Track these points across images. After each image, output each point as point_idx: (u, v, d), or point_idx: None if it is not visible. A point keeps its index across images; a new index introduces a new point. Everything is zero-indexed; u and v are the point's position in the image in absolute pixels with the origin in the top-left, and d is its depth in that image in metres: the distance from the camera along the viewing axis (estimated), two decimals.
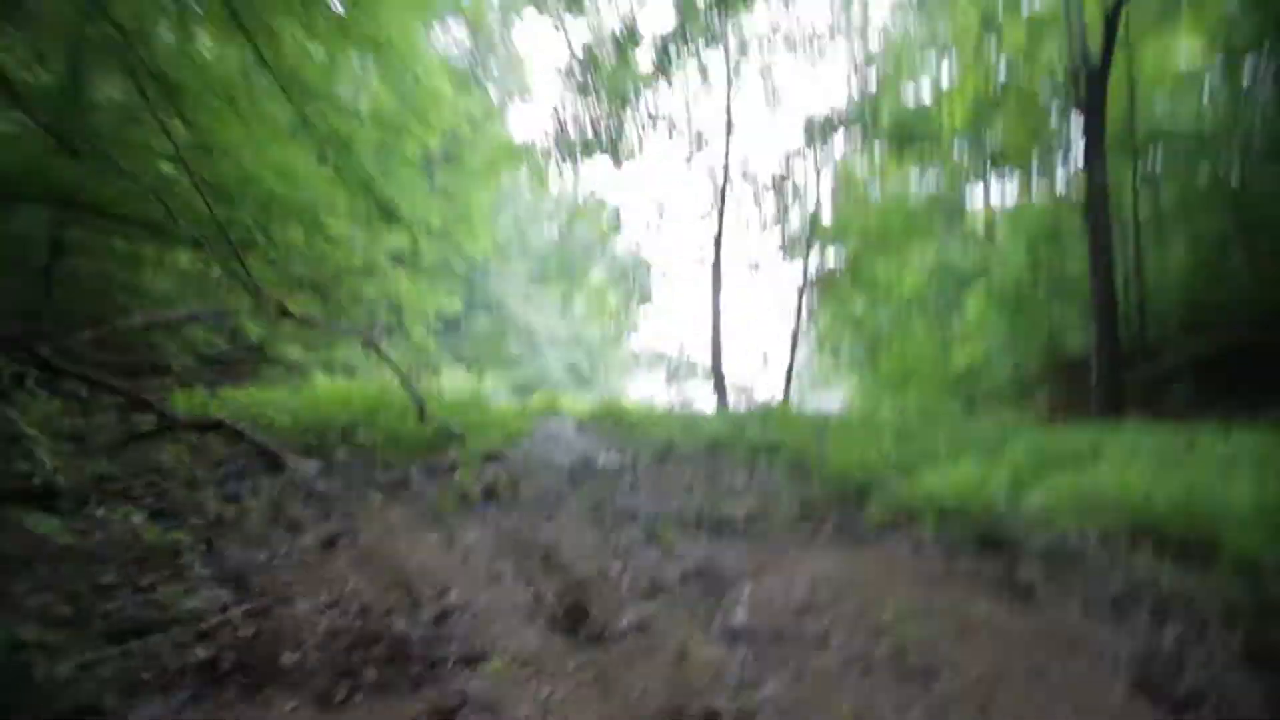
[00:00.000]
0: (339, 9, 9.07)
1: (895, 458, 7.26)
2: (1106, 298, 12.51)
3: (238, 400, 7.75)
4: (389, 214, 9.83)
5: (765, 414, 12.32)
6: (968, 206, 22.09)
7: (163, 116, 6.71)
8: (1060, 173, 15.58)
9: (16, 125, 7.24)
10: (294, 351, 19.95)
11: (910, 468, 7.39)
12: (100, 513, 3.75)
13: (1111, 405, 12.11)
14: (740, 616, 3.04)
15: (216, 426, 5.76)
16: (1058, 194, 14.45)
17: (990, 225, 19.92)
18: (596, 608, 3.05)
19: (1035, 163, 15.65)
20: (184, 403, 6.88)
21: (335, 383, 9.35)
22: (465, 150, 24.37)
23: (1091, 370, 12.54)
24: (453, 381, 18.68)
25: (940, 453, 7.78)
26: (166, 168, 7.88)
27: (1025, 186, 18.34)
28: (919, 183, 19.25)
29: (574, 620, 2.95)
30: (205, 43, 8.56)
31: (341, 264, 10.15)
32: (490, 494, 5.29)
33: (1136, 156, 13.65)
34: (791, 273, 18.55)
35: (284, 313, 6.67)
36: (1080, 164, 12.49)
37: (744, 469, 7.61)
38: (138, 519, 3.72)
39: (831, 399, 20.65)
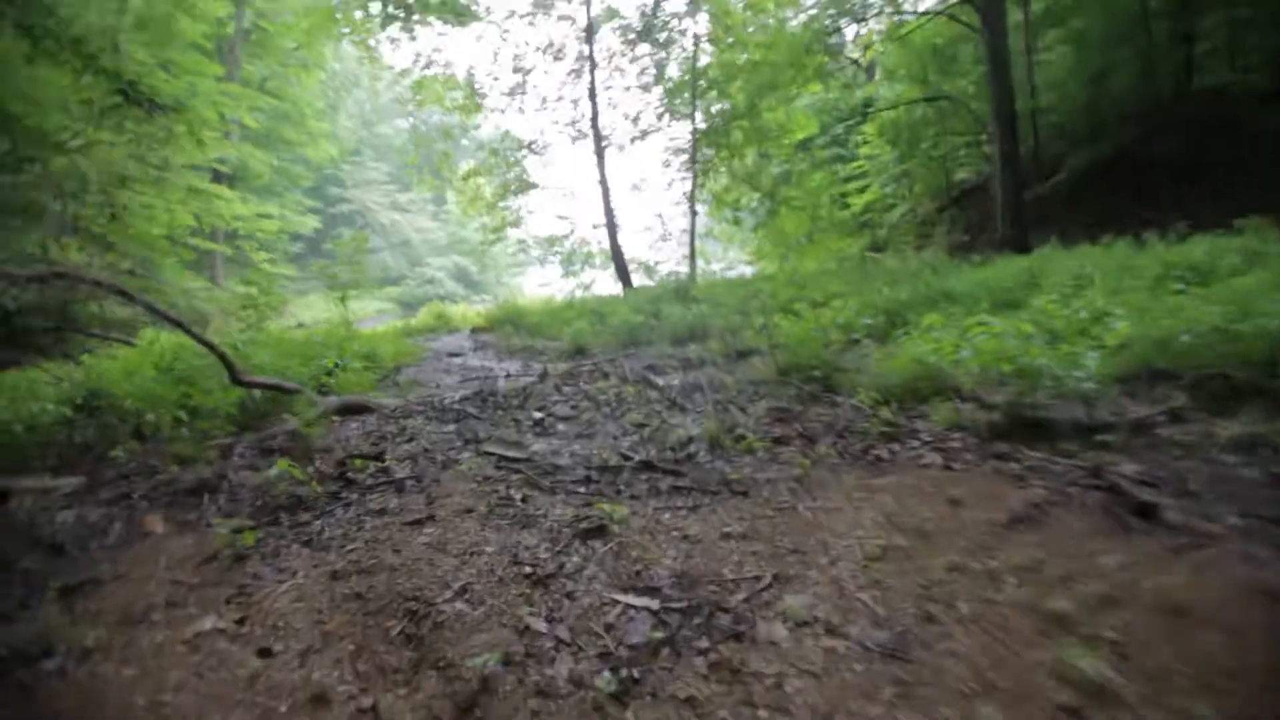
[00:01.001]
0: None
1: (854, 321, 5.98)
2: (1005, 111, 11.46)
3: None
4: (143, 101, 6.86)
5: (677, 289, 10.81)
6: (848, 39, 20.39)
7: None
8: None
9: None
10: (109, 308, 16.22)
11: (880, 334, 6.18)
12: None
13: (1017, 229, 11.45)
14: None
15: None
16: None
17: (870, 57, 18.39)
18: None
19: None
20: None
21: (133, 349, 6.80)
22: (270, 30, 19.63)
23: (995, 195, 11.71)
24: (316, 311, 15.83)
25: (897, 309, 6.59)
26: None
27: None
28: (797, 17, 17.18)
29: None
30: None
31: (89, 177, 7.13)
32: (341, 478, 3.48)
33: None
34: (677, 132, 16.45)
35: None
36: None
37: (675, 367, 6.11)
38: None
39: (736, 265, 19.42)
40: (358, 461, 3.57)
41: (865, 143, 17.85)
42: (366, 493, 3.28)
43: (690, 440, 3.64)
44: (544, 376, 5.88)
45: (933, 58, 14.28)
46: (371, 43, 16.16)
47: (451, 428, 4.41)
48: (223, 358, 4.38)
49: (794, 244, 16.64)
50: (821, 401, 4.35)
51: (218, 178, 18.24)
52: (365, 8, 13.97)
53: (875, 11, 16.99)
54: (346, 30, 15.43)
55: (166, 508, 3.40)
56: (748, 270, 19.12)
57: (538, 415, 4.39)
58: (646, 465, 3.29)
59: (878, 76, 20.53)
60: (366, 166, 31.04)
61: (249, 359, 5.42)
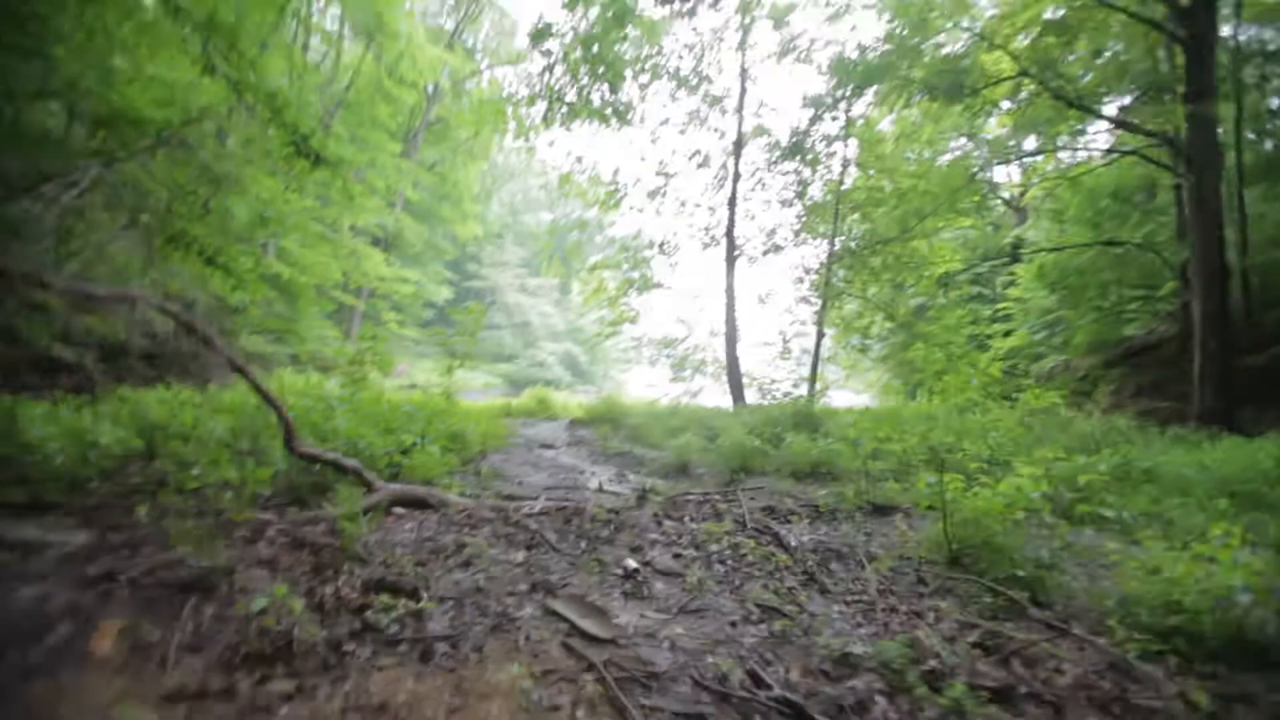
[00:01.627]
0: None
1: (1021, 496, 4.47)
2: (1213, 265, 9.69)
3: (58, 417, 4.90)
4: (314, 156, 6.93)
5: (797, 414, 9.54)
6: (1007, 175, 19.29)
7: None
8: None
9: None
10: (255, 341, 17.16)
11: (1069, 515, 4.64)
12: None
13: (1222, 402, 9.34)
14: None
15: None
16: (1140, 141, 11.46)
17: (1030, 198, 17.08)
18: None
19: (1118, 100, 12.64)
20: None
21: (219, 391, 6.50)
22: (450, 120, 21.45)
23: (1194, 359, 9.73)
24: (432, 375, 15.85)
25: (1093, 486, 4.99)
26: None
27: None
28: (955, 146, 16.41)
29: None
30: None
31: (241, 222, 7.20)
32: (358, 614, 2.49)
33: (1241, 90, 10.74)
34: (812, 253, 15.67)
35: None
36: (1183, 99, 9.60)
37: (802, 514, 4.82)
38: None
39: (854, 394, 17.80)
40: (384, 597, 2.57)
41: (1013, 284, 16.25)
42: (380, 652, 2.25)
43: (852, 662, 2.35)
44: (642, 499, 4.77)
45: (1110, 200, 12.76)
46: (531, 139, 17.06)
47: (520, 557, 3.36)
48: (282, 419, 3.67)
49: (922, 381, 14.92)
50: (1034, 623, 2.91)
51: (376, 242, 19.57)
52: (532, 103, 14.67)
53: (1030, 155, 15.94)
54: (513, 124, 16.37)
55: (141, 610, 2.53)
56: (862, 401, 17.44)
57: (631, 564, 3.25)
58: (790, 706, 2.04)
59: (1029, 218, 19.12)
60: (505, 249, 32.86)
61: (320, 425, 4.76)
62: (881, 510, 5.24)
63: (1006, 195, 19.27)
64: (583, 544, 3.67)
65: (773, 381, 14.45)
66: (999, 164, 17.35)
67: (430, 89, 21.14)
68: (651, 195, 15.90)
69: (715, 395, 15.48)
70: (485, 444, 7.94)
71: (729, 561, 3.49)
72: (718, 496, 5.08)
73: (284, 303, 14.93)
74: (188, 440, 4.51)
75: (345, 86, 16.76)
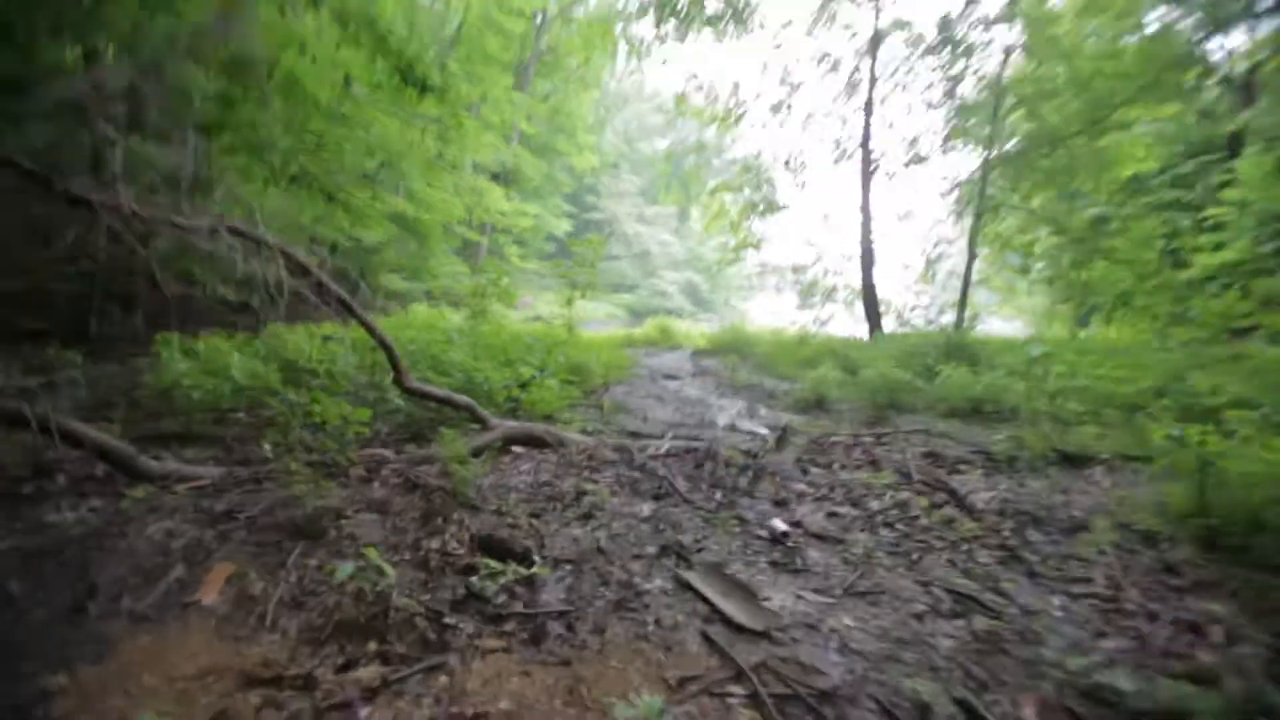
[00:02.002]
0: None
1: None
2: None
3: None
4: (421, 84, 6.59)
5: (950, 344, 8.30)
6: (1221, 48, 15.48)
7: None
8: None
9: None
10: (392, 279, 18.06)
11: None
12: None
13: None
14: None
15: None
16: None
17: (1252, 70, 13.50)
18: None
19: None
20: None
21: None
22: (560, 49, 20.65)
23: None
24: (555, 307, 15.90)
25: None
26: None
27: None
28: (1155, 16, 13.21)
29: None
30: None
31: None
32: (463, 577, 2.13)
33: None
34: (963, 162, 13.56)
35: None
36: None
37: (973, 463, 3.97)
38: None
39: (1003, 323, 15.64)
40: (492, 562, 2.18)
41: (1229, 185, 13.12)
42: (484, 630, 1.86)
43: (1114, 702, 1.63)
44: (782, 441, 4.14)
45: None
46: (642, 59, 15.97)
47: (646, 509, 2.89)
48: (391, 356, 3.39)
49: (1095, 309, 12.72)
50: None
51: (495, 178, 19.66)
52: (644, 15, 13.55)
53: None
54: (623, 45, 15.35)
55: (253, 554, 2.35)
56: (1013, 330, 15.28)
57: (779, 526, 2.66)
58: None
59: (1260, 99, 15.24)
60: (622, 179, 32.15)
61: (440, 359, 4.53)
62: (1073, 461, 4.25)
63: (1225, 71, 15.46)
64: (718, 495, 3.13)
65: (914, 308, 12.97)
66: (1218, 33, 13.80)
67: (538, 18, 20.36)
68: (775, 109, 14.35)
69: (847, 324, 14.21)
70: (607, 375, 7.61)
71: (898, 525, 2.81)
72: (869, 439, 4.33)
73: (415, 241, 15.40)
74: (317, 375, 4.46)
75: (457, 26, 16.43)
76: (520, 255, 18.37)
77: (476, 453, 3.45)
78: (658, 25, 13.43)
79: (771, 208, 14.85)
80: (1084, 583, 2.38)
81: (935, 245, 13.01)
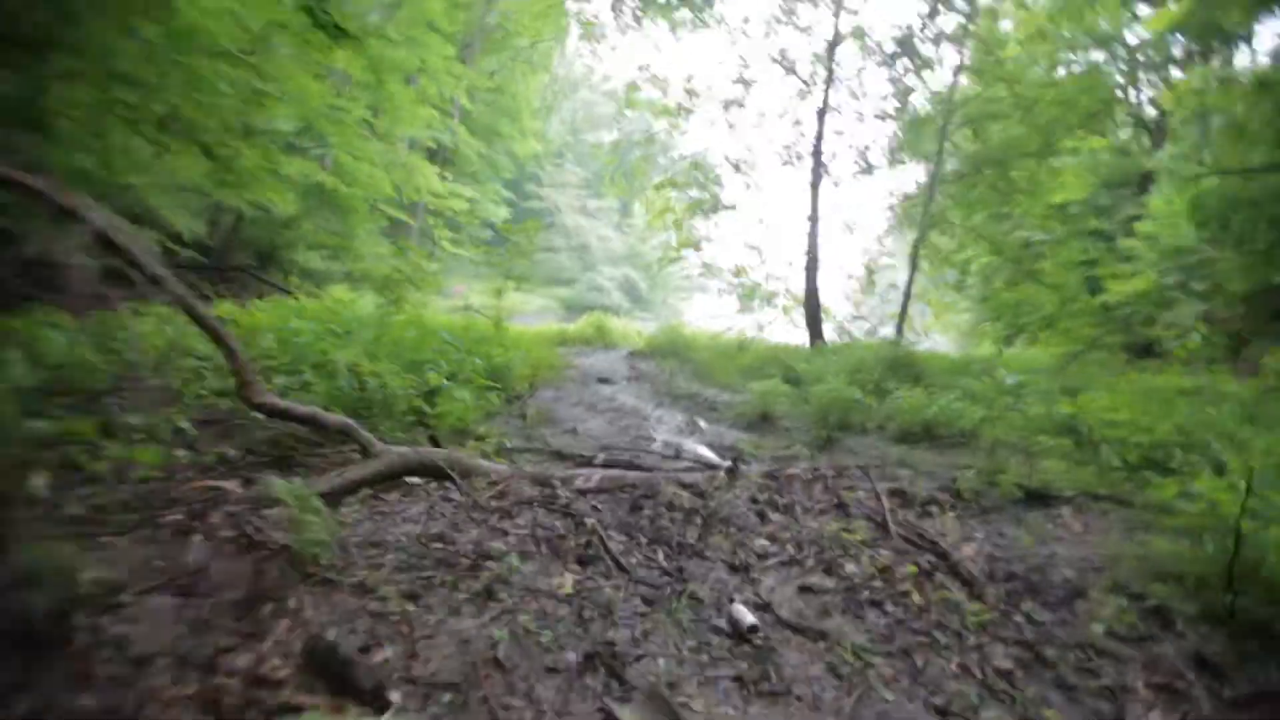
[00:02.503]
0: None
1: None
2: None
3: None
4: (333, 28, 5.55)
5: (895, 359, 7.98)
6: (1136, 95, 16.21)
7: None
8: None
9: None
10: (311, 257, 16.48)
11: None
12: None
13: None
14: None
15: None
16: None
17: (1185, 111, 14.10)
18: None
19: None
20: None
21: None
22: (510, 27, 19.47)
23: None
24: (481, 300, 14.83)
25: None
26: None
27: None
28: (1080, 59, 13.65)
29: None
30: None
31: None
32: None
33: None
34: (909, 175, 13.51)
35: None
36: None
37: (947, 504, 3.48)
38: None
39: (940, 340, 15.75)
40: (316, 709, 1.39)
41: (1139, 219, 13.63)
42: None
43: None
44: (732, 473, 3.49)
45: None
46: (594, 43, 15.15)
47: (569, 583, 2.14)
48: (233, 360, 2.51)
49: (1025, 328, 12.93)
50: None
51: (433, 157, 18.29)
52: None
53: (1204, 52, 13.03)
54: (575, 26, 14.46)
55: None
56: (941, 347, 15.44)
57: (744, 616, 1.98)
58: None
59: (1165, 142, 16.05)
60: (565, 169, 31.04)
61: (325, 357, 3.63)
62: (1040, 500, 3.83)
63: (1145, 112, 16.18)
64: (660, 555, 2.44)
65: (855, 319, 12.78)
66: (1147, 73, 14.39)
67: None
68: (727, 106, 13.83)
69: (785, 331, 13.91)
70: (536, 377, 6.82)
71: (888, 606, 2.20)
72: (829, 472, 3.76)
73: (335, 217, 13.99)
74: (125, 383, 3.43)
75: None
76: (453, 240, 17.11)
77: (352, 489, 2.61)
78: (614, 8, 12.64)
79: (717, 207, 14.35)
80: (1112, 686, 1.84)
81: (879, 256, 12.87)
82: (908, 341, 10.35)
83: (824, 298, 12.57)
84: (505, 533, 2.49)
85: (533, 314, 19.80)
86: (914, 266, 11.55)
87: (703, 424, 5.85)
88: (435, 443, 3.54)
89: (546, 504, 2.81)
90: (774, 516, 2.95)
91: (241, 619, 1.76)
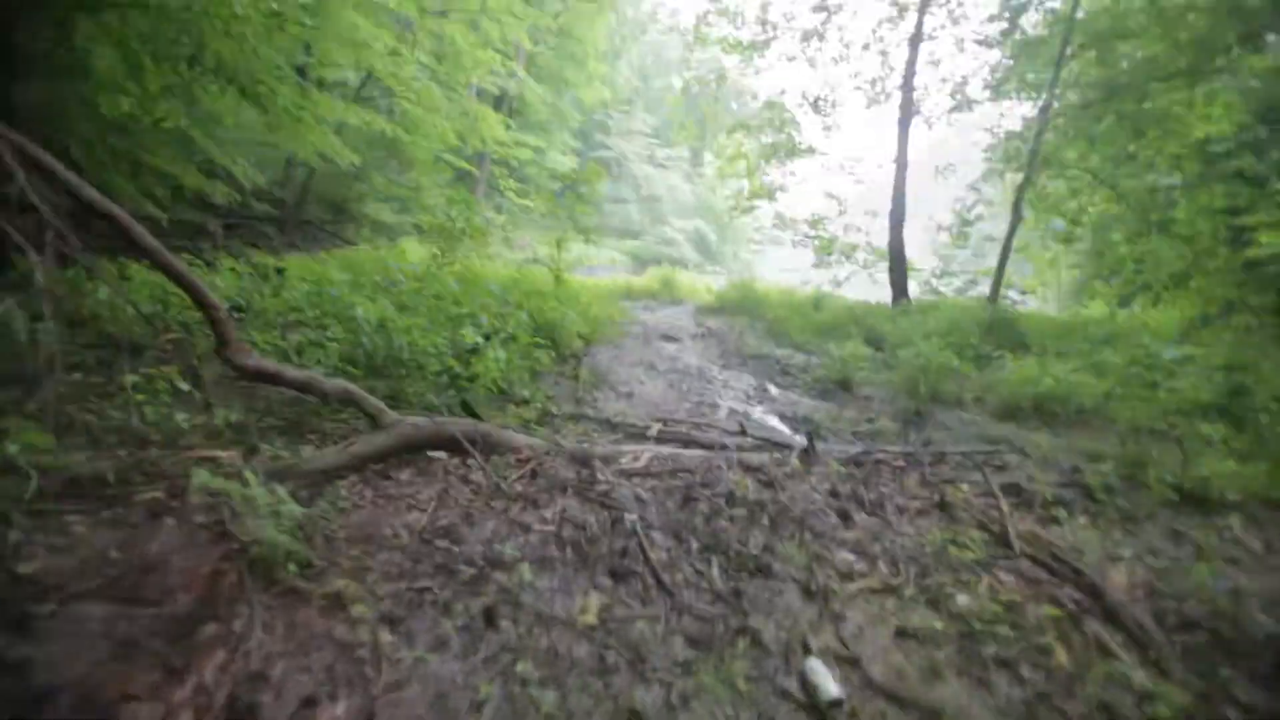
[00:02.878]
0: None
1: None
2: None
3: None
4: None
5: (995, 322, 6.99)
6: None
7: None
8: None
9: None
10: (381, 210, 16.56)
11: None
12: None
13: None
14: None
15: None
16: None
17: None
18: None
19: None
20: None
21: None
22: None
23: None
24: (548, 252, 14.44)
25: None
26: None
27: None
28: None
29: None
30: None
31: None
32: None
33: None
34: (1015, 111, 11.88)
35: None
36: None
37: (1073, 505, 2.77)
38: None
39: (1038, 300, 14.11)
40: None
41: None
42: None
43: None
44: (807, 454, 2.91)
45: None
46: None
47: (593, 608, 1.67)
48: (213, 318, 2.12)
49: (1156, 285, 11.27)
50: None
51: (499, 106, 17.81)
52: None
53: None
54: None
55: None
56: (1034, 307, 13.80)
57: (824, 685, 1.44)
58: None
59: None
60: (634, 117, 29.82)
61: (351, 313, 3.25)
62: (1196, 502, 3.06)
63: None
64: (715, 567, 1.93)
65: (943, 274, 11.55)
66: None
67: None
68: (806, 38, 12.50)
69: (864, 287, 12.82)
70: (596, 332, 6.36)
71: (1020, 665, 1.60)
72: (927, 457, 3.10)
73: (399, 168, 13.85)
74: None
75: None
76: (519, 191, 16.71)
77: (357, 466, 2.23)
78: None
79: (793, 152, 13.19)
80: None
81: (973, 205, 11.48)
82: (1007, 301, 9.18)
83: (910, 251, 11.38)
84: (527, 528, 2.04)
85: (600, 266, 19.33)
86: (1017, 215, 10.16)
87: (773, 390, 5.24)
88: (468, 408, 3.14)
89: (582, 491, 2.34)
90: (859, 518, 2.36)
91: (177, 642, 1.39)
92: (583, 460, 2.64)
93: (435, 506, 2.11)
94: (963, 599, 1.89)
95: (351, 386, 2.43)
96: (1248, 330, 9.91)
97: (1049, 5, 11.29)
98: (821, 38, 12.42)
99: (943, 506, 2.54)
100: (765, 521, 2.25)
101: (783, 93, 13.35)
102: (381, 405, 2.41)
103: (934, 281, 11.11)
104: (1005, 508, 2.49)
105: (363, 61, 9.68)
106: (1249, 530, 2.90)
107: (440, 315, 3.95)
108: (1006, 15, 11.03)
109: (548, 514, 2.15)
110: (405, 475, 2.35)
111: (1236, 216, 11.75)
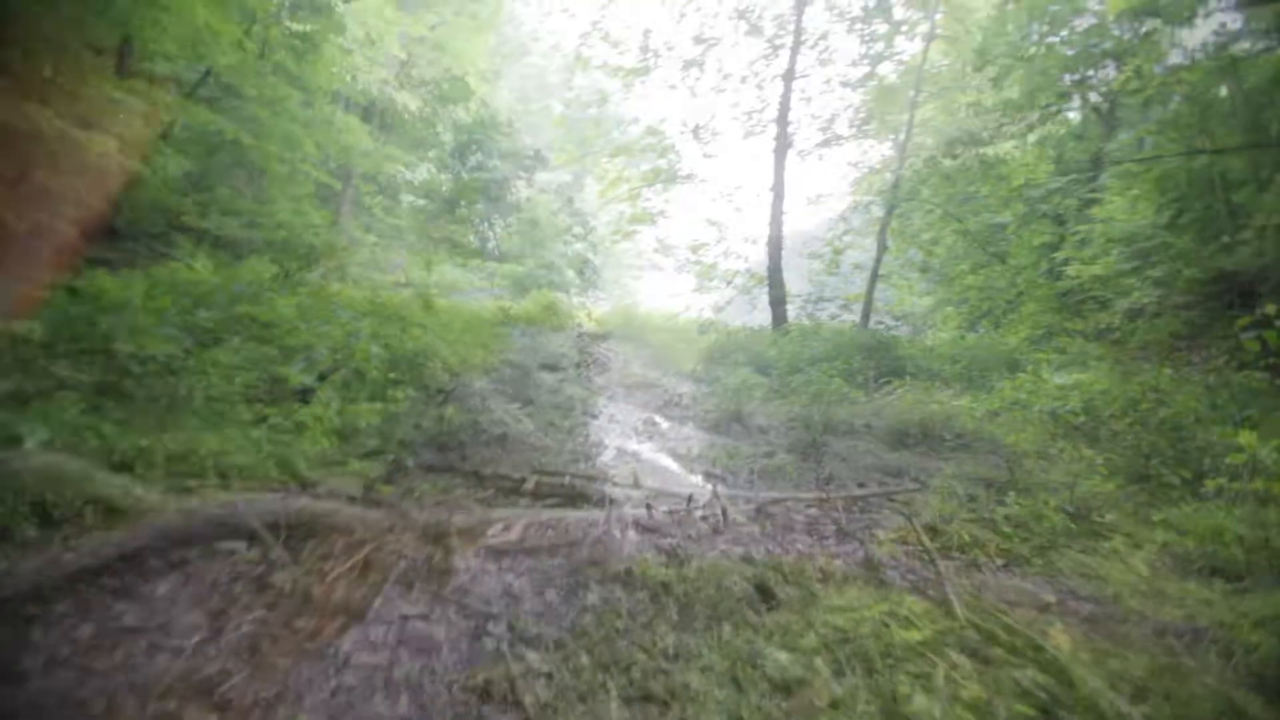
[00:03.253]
0: None
1: None
2: None
3: None
4: None
5: (873, 344, 7.15)
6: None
7: None
8: None
9: None
10: (226, 223, 14.63)
11: None
12: None
13: None
14: None
15: None
16: None
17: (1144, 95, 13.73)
18: None
19: None
20: None
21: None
22: None
23: None
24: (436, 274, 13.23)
25: None
26: None
27: None
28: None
29: None
30: None
31: None
32: None
33: None
34: (876, 149, 12.74)
35: None
36: None
37: (987, 544, 2.58)
38: None
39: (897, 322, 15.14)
40: None
41: (1094, 203, 13.28)
42: None
43: None
44: (719, 517, 2.48)
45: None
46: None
47: None
48: None
49: (996, 311, 12.40)
50: None
51: (367, 118, 16.45)
52: None
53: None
54: None
55: None
56: (913, 330, 14.88)
57: None
58: None
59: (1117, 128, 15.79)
60: (514, 139, 29.14)
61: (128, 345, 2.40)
62: (1080, 519, 3.02)
63: (1096, 96, 15.84)
64: (612, 696, 1.40)
65: (818, 300, 11.96)
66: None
67: None
68: (687, 67, 12.67)
69: (743, 312, 13.03)
70: (466, 363, 5.64)
71: None
72: (839, 501, 2.79)
73: (244, 177, 12.22)
74: None
75: None
76: (388, 209, 15.42)
77: (76, 580, 1.46)
78: None
79: (673, 178, 13.24)
80: None
81: (843, 234, 12.07)
82: (881, 326, 9.59)
83: (785, 277, 11.69)
84: (343, 664, 1.40)
85: (478, 290, 18.31)
86: (881, 245, 10.76)
87: (663, 424, 4.84)
88: (290, 471, 2.39)
89: (433, 588, 1.72)
90: (782, 593, 1.94)
91: None
92: (436, 537, 2.02)
93: (200, 641, 1.41)
94: (920, 701, 1.51)
95: (68, 460, 1.65)
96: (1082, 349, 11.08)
97: (900, 56, 12.22)
98: (701, 68, 12.63)
99: (870, 566, 2.20)
100: (673, 611, 1.76)
101: (664, 120, 13.43)
102: (126, 483, 1.65)
103: (809, 307, 11.45)
104: (939, 564, 2.19)
105: (203, 53, 8.32)
106: (1133, 555, 2.86)
107: (263, 350, 3.13)
108: (867, 61, 11.81)
109: (377, 635, 1.51)
110: (163, 588, 1.60)
111: (1055, 251, 13.26)
